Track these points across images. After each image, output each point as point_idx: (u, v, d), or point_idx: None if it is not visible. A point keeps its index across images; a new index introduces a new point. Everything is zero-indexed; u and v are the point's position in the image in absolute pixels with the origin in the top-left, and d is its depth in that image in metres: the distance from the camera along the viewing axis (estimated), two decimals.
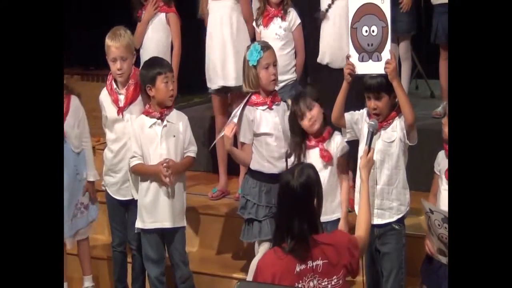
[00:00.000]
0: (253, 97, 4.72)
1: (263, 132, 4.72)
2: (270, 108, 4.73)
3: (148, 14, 5.77)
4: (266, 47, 4.73)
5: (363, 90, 4.34)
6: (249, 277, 4.68)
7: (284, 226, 3.40)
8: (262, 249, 4.76)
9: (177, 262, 4.89)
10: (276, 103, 4.77)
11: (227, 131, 4.61)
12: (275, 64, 4.73)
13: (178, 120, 4.86)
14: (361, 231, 3.63)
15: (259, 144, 4.74)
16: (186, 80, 5.86)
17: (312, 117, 4.51)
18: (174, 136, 4.83)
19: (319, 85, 5.15)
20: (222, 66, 5.68)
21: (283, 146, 4.74)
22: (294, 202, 3.40)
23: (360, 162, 4.00)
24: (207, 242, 5.43)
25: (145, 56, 5.59)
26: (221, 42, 5.69)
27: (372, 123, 4.10)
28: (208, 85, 5.82)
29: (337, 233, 3.47)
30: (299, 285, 3.33)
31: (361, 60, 4.30)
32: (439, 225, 3.94)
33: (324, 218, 4.52)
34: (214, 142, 5.21)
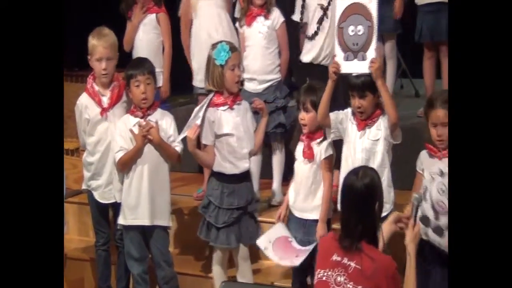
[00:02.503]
0: (214, 98, 4.70)
1: (225, 133, 4.70)
2: (231, 108, 4.71)
3: (137, 16, 5.75)
4: (233, 48, 4.73)
5: (347, 88, 4.34)
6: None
7: (342, 222, 3.50)
8: (215, 256, 4.84)
9: (159, 262, 4.88)
10: (238, 102, 4.74)
11: (190, 133, 4.57)
12: (239, 66, 4.75)
13: (162, 119, 4.85)
14: None
15: (220, 145, 4.72)
16: (171, 81, 5.83)
17: (303, 119, 4.52)
18: None
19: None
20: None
21: (245, 146, 4.74)
22: (356, 202, 3.46)
23: (406, 236, 3.75)
24: (192, 243, 5.41)
25: (136, 56, 5.59)
26: (210, 42, 5.65)
27: (417, 196, 3.85)
28: (195, 84, 5.79)
29: (386, 257, 3.44)
30: (329, 273, 3.43)
31: (346, 59, 4.32)
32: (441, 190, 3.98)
33: (304, 215, 4.59)
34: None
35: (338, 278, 3.41)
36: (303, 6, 5.49)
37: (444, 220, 4.01)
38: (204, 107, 4.65)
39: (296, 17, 5.57)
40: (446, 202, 3.97)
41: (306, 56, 5.52)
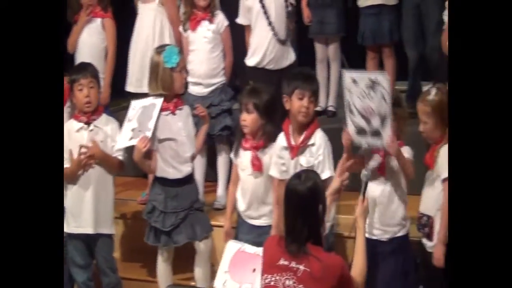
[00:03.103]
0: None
1: (167, 138, 4.69)
2: (173, 113, 4.70)
3: (82, 19, 5.70)
4: (181, 50, 4.75)
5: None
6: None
7: (287, 227, 3.51)
8: (160, 255, 4.84)
9: (104, 269, 4.86)
10: (179, 107, 4.74)
11: (140, 144, 4.55)
12: (185, 69, 4.78)
13: (106, 125, 4.83)
14: (356, 277, 3.65)
15: (163, 150, 4.71)
16: (113, 85, 5.80)
17: (245, 120, 4.51)
18: (102, 141, 4.79)
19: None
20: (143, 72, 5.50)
21: (187, 150, 4.74)
22: (299, 206, 3.47)
23: (356, 211, 3.95)
24: (136, 247, 5.38)
25: (79, 60, 5.56)
26: (144, 46, 5.65)
27: (366, 173, 4.05)
28: (129, 89, 5.76)
29: (333, 256, 3.49)
30: (277, 277, 3.45)
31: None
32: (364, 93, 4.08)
33: (256, 222, 4.58)
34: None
35: (287, 282, 3.43)
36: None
37: (376, 122, 4.11)
38: (155, 118, 4.62)
39: (240, 20, 5.57)
40: (370, 103, 4.09)
41: (251, 59, 5.52)
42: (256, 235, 4.55)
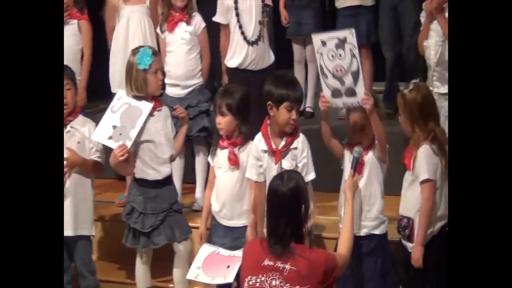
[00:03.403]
0: None
1: (145, 140, 4.67)
2: (151, 114, 4.68)
3: None
4: (155, 52, 4.73)
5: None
6: None
7: (270, 227, 3.51)
8: (139, 257, 4.82)
9: (82, 272, 4.84)
10: (158, 109, 4.72)
11: (118, 152, 4.55)
12: (161, 70, 4.75)
13: (84, 126, 4.81)
14: (343, 249, 3.70)
15: (142, 152, 4.69)
16: (91, 86, 5.77)
17: (220, 123, 4.50)
18: (79, 142, 4.77)
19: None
20: None
21: (166, 151, 4.73)
22: (282, 206, 3.48)
23: (345, 184, 4.04)
24: (114, 250, 5.36)
25: None
26: (130, 47, 5.61)
27: (358, 149, 4.12)
28: (114, 90, 5.73)
29: (316, 251, 3.52)
30: (262, 278, 3.44)
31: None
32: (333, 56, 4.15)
33: (231, 223, 4.56)
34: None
35: (273, 282, 3.43)
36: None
37: (348, 80, 4.18)
38: (139, 128, 4.60)
39: (218, 18, 5.54)
40: (341, 62, 4.16)
41: (232, 61, 5.50)
42: (231, 238, 4.54)
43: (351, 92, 4.21)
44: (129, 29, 5.68)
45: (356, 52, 4.15)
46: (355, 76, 4.18)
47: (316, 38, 4.26)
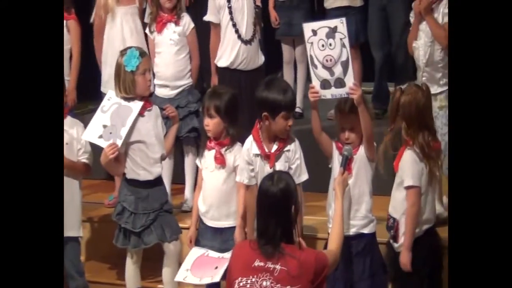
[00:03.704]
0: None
1: (136, 140, 4.67)
2: (141, 115, 4.67)
3: None
4: (143, 53, 4.72)
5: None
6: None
7: (260, 228, 3.50)
8: (129, 257, 4.81)
9: (71, 273, 4.82)
10: (148, 109, 4.72)
11: (109, 151, 4.55)
12: (150, 71, 4.74)
13: (72, 128, 4.80)
14: (333, 245, 3.73)
15: (133, 152, 4.69)
16: (80, 87, 5.75)
17: (208, 125, 4.49)
18: (67, 143, 4.75)
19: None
20: None
21: (157, 151, 4.73)
22: (273, 207, 3.48)
23: (334, 180, 4.05)
24: (103, 251, 5.35)
25: None
26: (121, 47, 5.59)
27: (347, 147, 4.14)
28: (104, 91, 5.70)
29: (306, 251, 3.52)
30: (253, 279, 3.44)
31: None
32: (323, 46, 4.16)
33: (218, 224, 4.55)
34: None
35: (264, 283, 3.42)
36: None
37: (338, 70, 4.17)
38: (128, 127, 4.60)
39: (209, 17, 5.52)
40: (331, 51, 4.15)
41: (222, 60, 5.50)
42: (220, 241, 4.53)
43: (340, 83, 4.19)
44: (124, 30, 5.66)
45: (346, 41, 4.14)
46: (345, 66, 4.17)
47: (307, 28, 4.25)
